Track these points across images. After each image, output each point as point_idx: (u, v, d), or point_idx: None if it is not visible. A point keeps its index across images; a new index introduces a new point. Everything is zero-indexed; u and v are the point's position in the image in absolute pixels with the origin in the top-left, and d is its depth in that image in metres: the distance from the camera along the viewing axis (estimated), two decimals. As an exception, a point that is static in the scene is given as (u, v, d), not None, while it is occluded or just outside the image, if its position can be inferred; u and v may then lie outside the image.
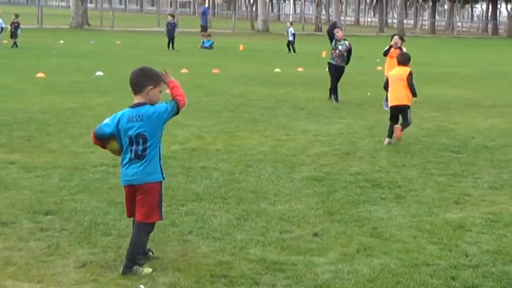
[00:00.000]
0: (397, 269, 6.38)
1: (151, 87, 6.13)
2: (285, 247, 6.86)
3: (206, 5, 45.09)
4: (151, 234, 6.40)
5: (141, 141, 6.06)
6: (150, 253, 6.44)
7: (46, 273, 6.00)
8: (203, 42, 38.79)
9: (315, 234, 7.29)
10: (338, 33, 18.32)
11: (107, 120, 6.21)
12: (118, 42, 39.66)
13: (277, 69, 26.64)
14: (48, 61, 26.94)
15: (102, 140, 6.25)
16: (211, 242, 6.95)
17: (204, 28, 42.00)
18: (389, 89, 12.82)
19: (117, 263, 6.25)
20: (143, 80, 6.13)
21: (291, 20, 73.55)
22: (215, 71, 24.98)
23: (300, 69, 27.29)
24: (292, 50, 38.94)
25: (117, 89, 18.10)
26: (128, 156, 6.13)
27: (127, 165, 6.14)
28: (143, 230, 6.18)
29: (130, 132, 6.07)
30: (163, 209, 6.37)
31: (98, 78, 21.88)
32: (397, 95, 12.60)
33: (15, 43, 33.64)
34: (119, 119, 6.13)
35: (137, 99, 6.15)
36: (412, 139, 12.89)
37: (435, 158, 11.32)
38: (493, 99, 19.82)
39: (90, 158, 10.45)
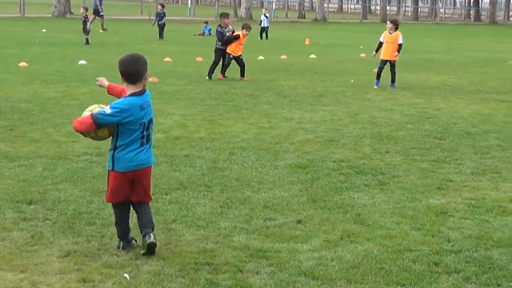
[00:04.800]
0: (380, 255, 6.42)
1: (147, 72, 6.30)
2: (268, 234, 6.89)
3: None
4: (134, 222, 6.41)
5: (151, 126, 6.31)
6: (134, 241, 6.44)
7: (29, 263, 5.99)
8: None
9: (299, 222, 7.32)
10: (227, 20, 20.31)
11: (109, 111, 6.06)
12: (101, 31, 39.44)
13: (261, 57, 26.61)
14: (31, 50, 26.76)
15: (98, 127, 6.16)
16: (195, 230, 6.97)
17: (96, 12, 40.59)
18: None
19: (101, 252, 6.26)
20: (142, 67, 6.23)
21: (274, 7, 73.56)
22: (199, 59, 24.91)
23: (283, 56, 27.28)
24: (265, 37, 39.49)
25: (100, 78, 17.98)
26: (139, 142, 6.21)
27: (138, 150, 6.21)
28: (148, 206, 6.42)
29: (144, 119, 6.21)
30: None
31: (81, 66, 21.78)
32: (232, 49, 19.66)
33: (86, 40, 30.27)
34: (131, 110, 6.08)
35: (136, 88, 6.18)
36: (395, 126, 12.95)
37: (418, 144, 11.37)
38: (475, 86, 19.90)
39: (73, 147, 10.42)
